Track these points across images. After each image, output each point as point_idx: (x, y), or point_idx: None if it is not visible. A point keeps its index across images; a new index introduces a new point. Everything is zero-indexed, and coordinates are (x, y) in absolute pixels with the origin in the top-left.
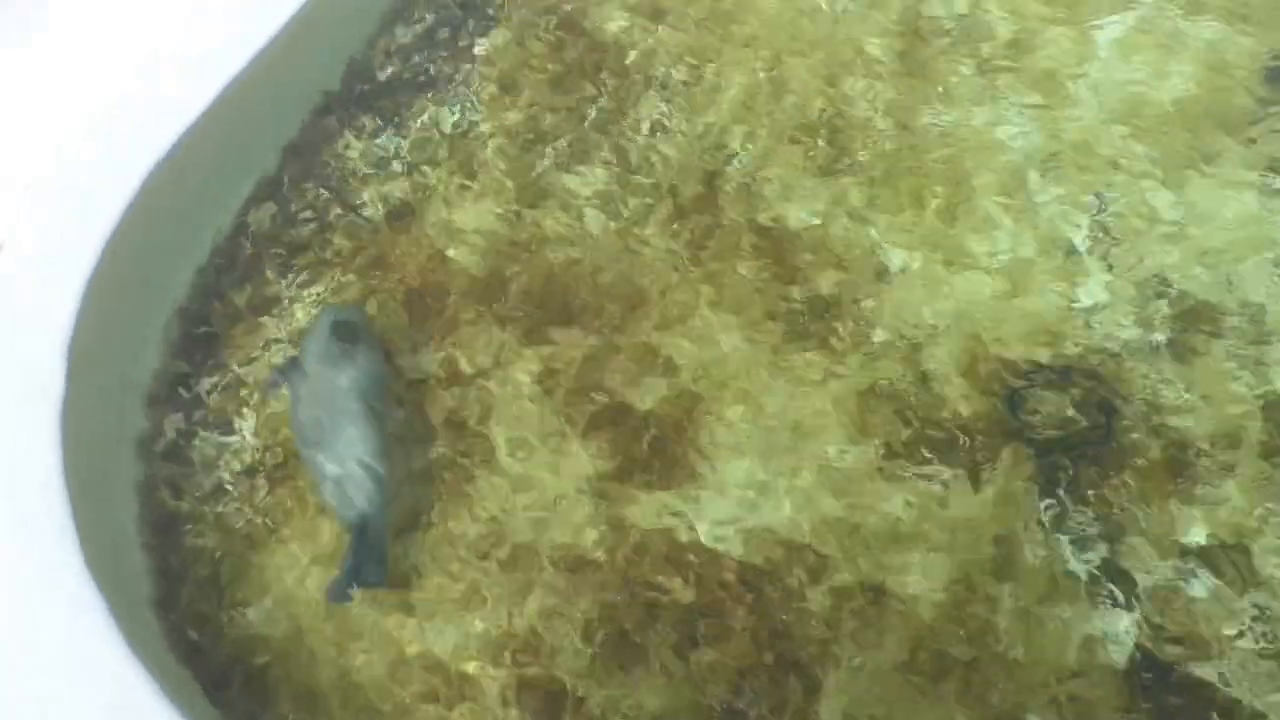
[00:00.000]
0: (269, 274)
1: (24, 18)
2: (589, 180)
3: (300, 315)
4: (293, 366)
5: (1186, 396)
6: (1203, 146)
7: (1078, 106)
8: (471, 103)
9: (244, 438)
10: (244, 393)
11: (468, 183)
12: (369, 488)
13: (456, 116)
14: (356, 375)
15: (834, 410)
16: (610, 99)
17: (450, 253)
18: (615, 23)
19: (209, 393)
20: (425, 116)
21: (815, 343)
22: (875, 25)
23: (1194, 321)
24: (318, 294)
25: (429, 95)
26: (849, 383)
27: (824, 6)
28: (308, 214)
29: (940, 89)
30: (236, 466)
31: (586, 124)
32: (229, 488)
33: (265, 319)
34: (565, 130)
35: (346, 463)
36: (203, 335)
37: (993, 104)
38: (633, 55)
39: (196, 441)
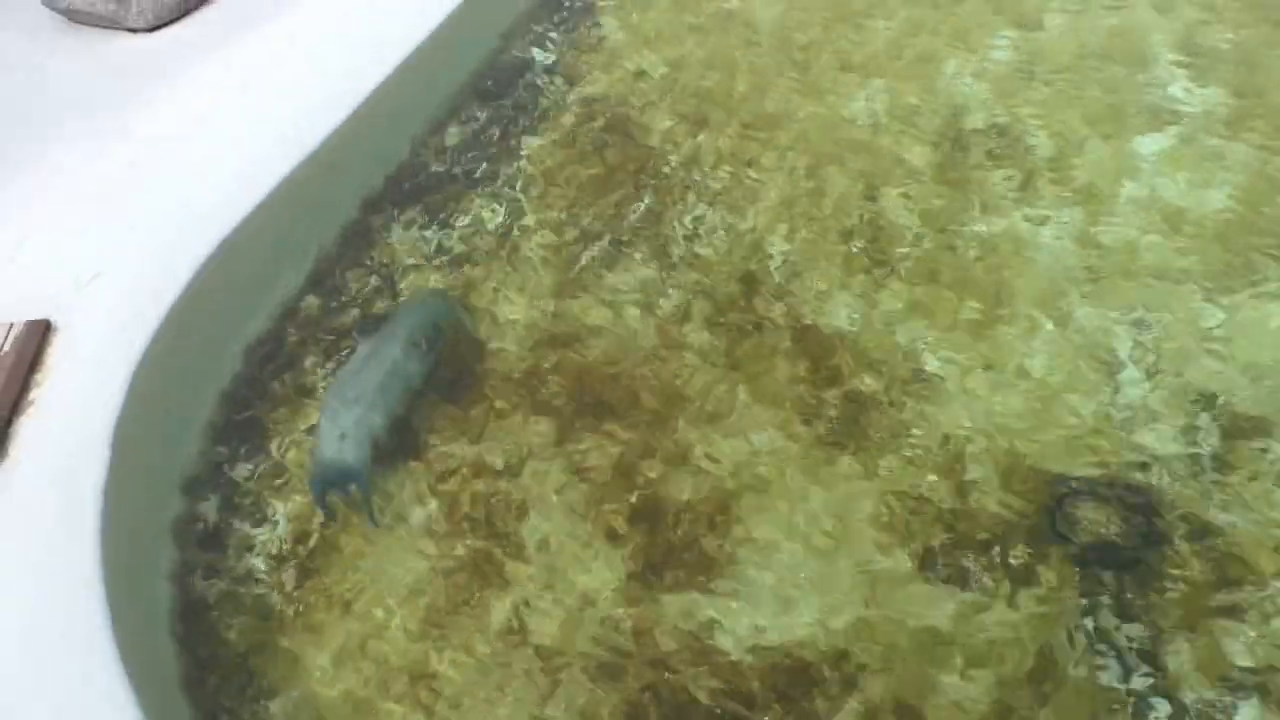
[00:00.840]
0: (311, 360)
1: (101, 129)
2: (629, 278)
3: None
4: (375, 330)
5: (1231, 514)
6: (1246, 261)
7: (1119, 219)
8: (517, 200)
9: (278, 525)
10: (280, 481)
11: (510, 276)
12: (362, 453)
13: (502, 213)
14: (417, 370)
15: (871, 514)
16: (652, 199)
17: (491, 344)
18: (660, 126)
19: (247, 479)
20: (472, 212)
21: (852, 445)
22: (915, 135)
23: (1240, 436)
24: None
25: (476, 191)
26: (886, 486)
27: (863, 117)
28: (354, 303)
29: (980, 199)
30: (271, 552)
31: (628, 223)
32: (261, 575)
33: (307, 402)
34: (607, 229)
35: (359, 427)
36: (244, 420)
37: (1033, 215)
38: (675, 158)
39: (231, 527)
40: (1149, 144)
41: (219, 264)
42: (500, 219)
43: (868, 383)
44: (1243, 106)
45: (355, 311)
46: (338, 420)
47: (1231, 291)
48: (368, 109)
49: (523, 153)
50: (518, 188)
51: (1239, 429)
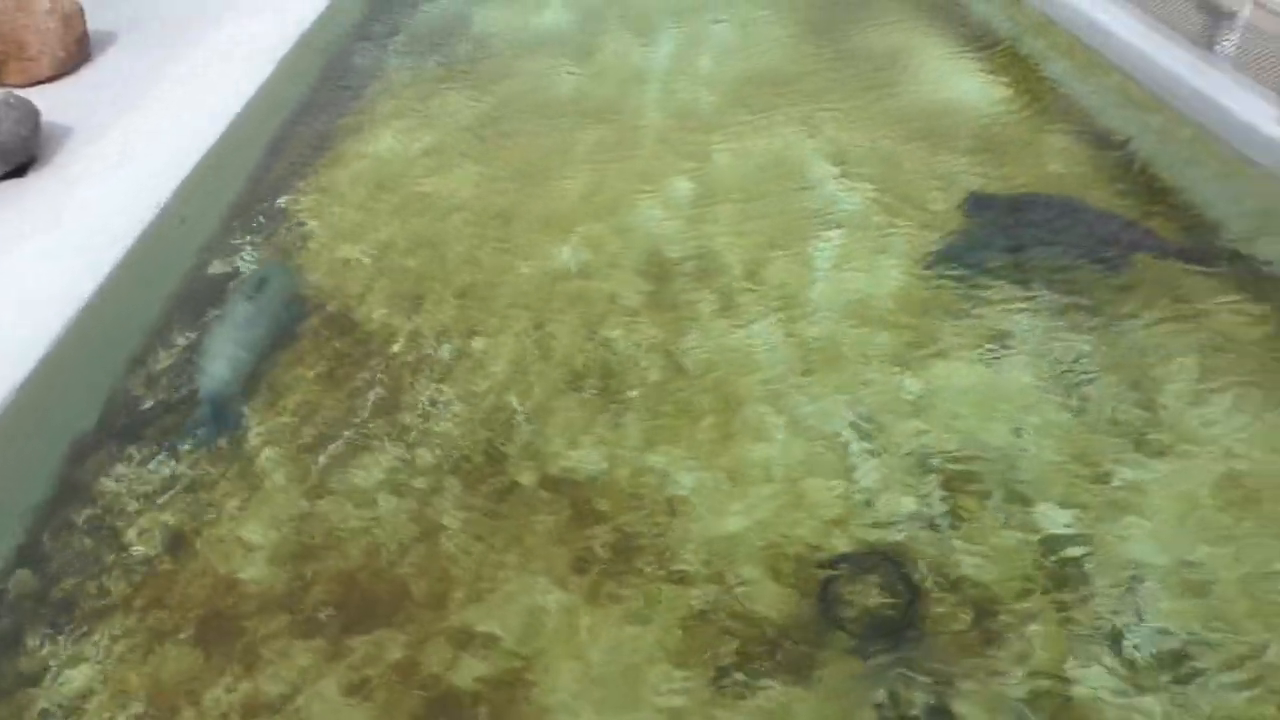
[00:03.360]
0: (31, 643)
1: None
2: (375, 470)
3: (78, 679)
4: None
5: (973, 558)
6: (925, 330)
7: (815, 316)
8: (240, 414)
9: None
10: None
11: (247, 496)
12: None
13: (227, 431)
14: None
15: (659, 646)
16: (384, 386)
17: (240, 573)
18: (378, 312)
19: None
20: (193, 436)
21: (628, 584)
22: (623, 274)
23: (961, 487)
24: (97, 646)
25: (195, 414)
26: (668, 615)
27: (572, 266)
28: (73, 567)
29: (693, 322)
30: None
31: (363, 415)
32: None
33: (34, 691)
34: (343, 425)
35: (216, 360)
36: None
37: (742, 327)
38: (399, 341)
39: None
40: (824, 245)
41: None
42: (225, 438)
43: (629, 518)
44: (891, 198)
45: (77, 578)
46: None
47: (921, 359)
48: (66, 347)
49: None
50: (239, 401)
51: (959, 480)
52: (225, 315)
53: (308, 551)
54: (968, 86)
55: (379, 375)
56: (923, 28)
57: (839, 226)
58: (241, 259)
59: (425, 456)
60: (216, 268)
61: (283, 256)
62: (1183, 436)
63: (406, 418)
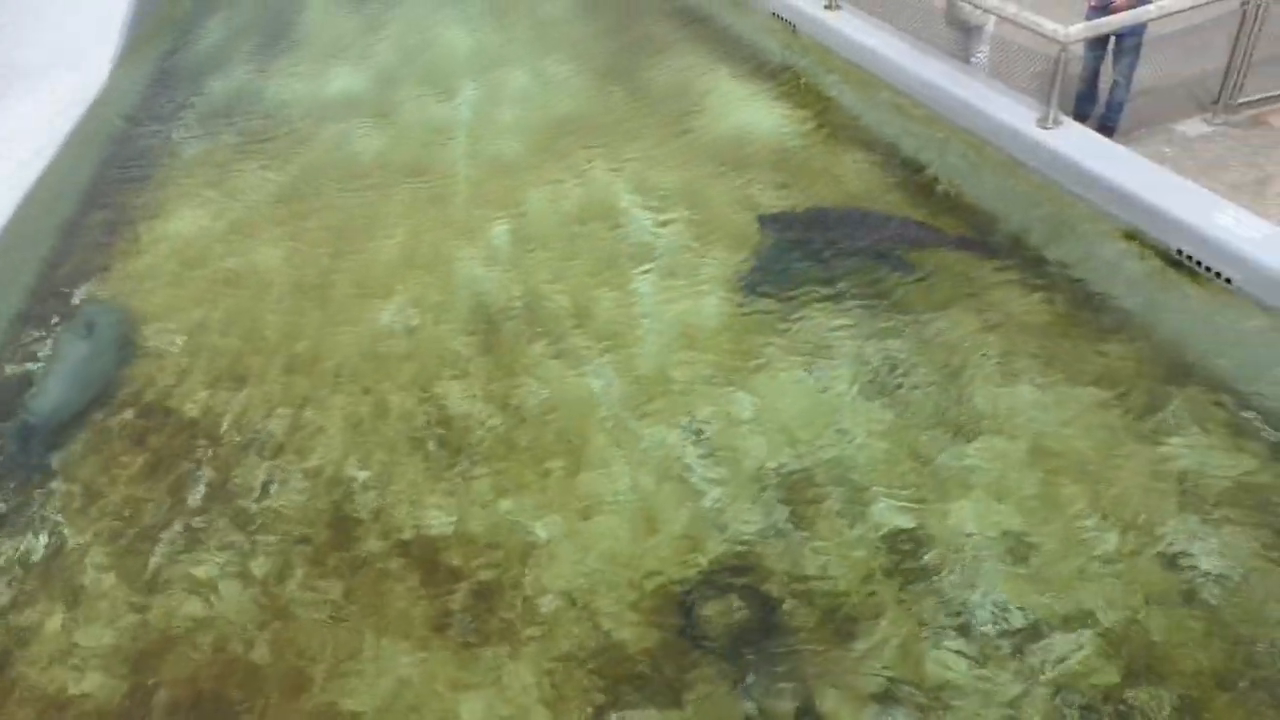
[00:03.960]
0: None
1: None
2: (214, 557)
3: None
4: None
5: (822, 559)
6: (749, 348)
7: (645, 348)
8: (57, 523)
9: None
10: None
11: (75, 606)
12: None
13: (42, 543)
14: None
15: (532, 696)
16: (213, 470)
17: (72, 689)
18: (197, 396)
19: None
20: (4, 555)
21: (493, 637)
22: (450, 329)
23: (800, 492)
24: None
25: (4, 531)
26: (537, 663)
27: (398, 327)
28: None
29: (527, 368)
30: None
31: (194, 503)
32: None
33: None
34: (173, 516)
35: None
36: None
37: (577, 368)
38: (225, 422)
39: None
40: (645, 279)
41: None
42: (41, 551)
43: (485, 571)
44: (702, 228)
45: None
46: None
47: (749, 378)
48: None
49: (51, 470)
50: (55, 510)
51: (800, 487)
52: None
53: (146, 656)
54: (760, 116)
55: (206, 461)
56: (711, 65)
57: (656, 260)
58: (34, 361)
59: (266, 538)
60: (8, 371)
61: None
62: (994, 421)
63: (241, 500)
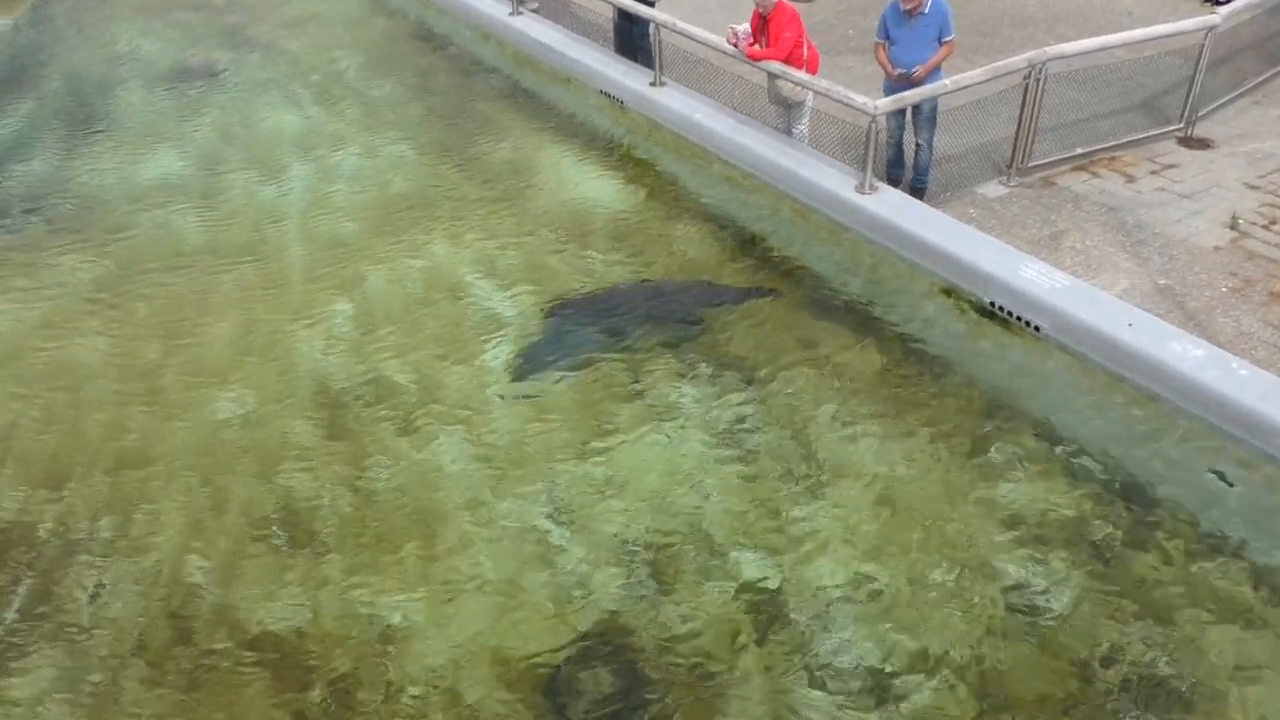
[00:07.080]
0: None
1: None
2: (36, 675)
3: None
4: None
5: (684, 619)
6: (604, 416)
7: (496, 421)
8: None
9: None
10: None
11: None
12: None
13: None
14: None
15: None
16: (34, 580)
17: None
18: (11, 500)
19: None
20: None
21: None
22: (291, 414)
23: (662, 552)
24: None
25: None
26: None
27: (234, 416)
28: None
29: (376, 448)
30: None
31: (11, 618)
32: None
33: None
34: None
35: None
36: None
37: (426, 442)
38: (44, 528)
39: None
40: (494, 352)
41: None
42: None
43: (343, 663)
44: (547, 299)
45: None
46: None
47: (602, 446)
48: None
49: None
50: None
51: (659, 548)
52: None
53: None
54: (596, 188)
55: (24, 572)
56: (545, 140)
57: (501, 331)
58: None
59: (97, 647)
60: None
61: None
62: (838, 470)
63: (67, 610)
